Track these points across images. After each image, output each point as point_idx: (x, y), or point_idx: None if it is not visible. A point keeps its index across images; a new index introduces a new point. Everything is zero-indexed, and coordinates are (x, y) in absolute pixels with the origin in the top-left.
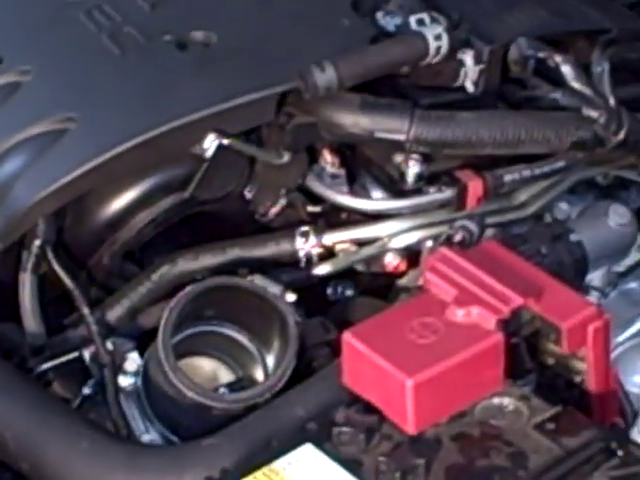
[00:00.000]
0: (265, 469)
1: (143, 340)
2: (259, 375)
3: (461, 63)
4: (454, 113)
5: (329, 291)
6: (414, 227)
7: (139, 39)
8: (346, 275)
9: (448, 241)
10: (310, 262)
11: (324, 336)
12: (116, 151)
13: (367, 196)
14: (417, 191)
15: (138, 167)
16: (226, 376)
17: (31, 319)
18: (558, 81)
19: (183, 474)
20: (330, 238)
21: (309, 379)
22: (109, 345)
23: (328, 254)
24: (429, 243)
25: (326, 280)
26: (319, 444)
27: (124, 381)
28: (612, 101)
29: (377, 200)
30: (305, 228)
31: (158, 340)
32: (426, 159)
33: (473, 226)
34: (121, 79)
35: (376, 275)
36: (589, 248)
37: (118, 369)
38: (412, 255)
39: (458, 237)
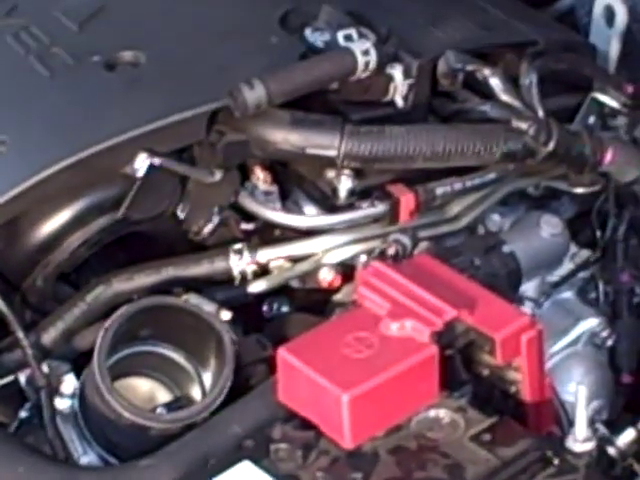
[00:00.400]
0: None
1: (79, 362)
2: (196, 394)
3: (390, 78)
4: (384, 128)
5: (265, 308)
6: (348, 242)
7: (67, 60)
8: (281, 292)
9: (381, 255)
10: (245, 279)
11: (260, 353)
12: (47, 173)
13: (300, 212)
14: (350, 206)
15: (70, 188)
16: (163, 396)
17: None
18: (487, 94)
19: None
20: (264, 255)
21: (246, 396)
22: (45, 368)
23: (263, 271)
24: (363, 258)
25: (261, 297)
26: (257, 461)
27: (61, 403)
28: (541, 112)
29: (310, 216)
30: (239, 246)
31: (94, 361)
32: (358, 174)
33: (406, 240)
34: (50, 101)
35: (311, 291)
36: (522, 259)
37: (54, 392)
38: (347, 270)
39: (391, 251)
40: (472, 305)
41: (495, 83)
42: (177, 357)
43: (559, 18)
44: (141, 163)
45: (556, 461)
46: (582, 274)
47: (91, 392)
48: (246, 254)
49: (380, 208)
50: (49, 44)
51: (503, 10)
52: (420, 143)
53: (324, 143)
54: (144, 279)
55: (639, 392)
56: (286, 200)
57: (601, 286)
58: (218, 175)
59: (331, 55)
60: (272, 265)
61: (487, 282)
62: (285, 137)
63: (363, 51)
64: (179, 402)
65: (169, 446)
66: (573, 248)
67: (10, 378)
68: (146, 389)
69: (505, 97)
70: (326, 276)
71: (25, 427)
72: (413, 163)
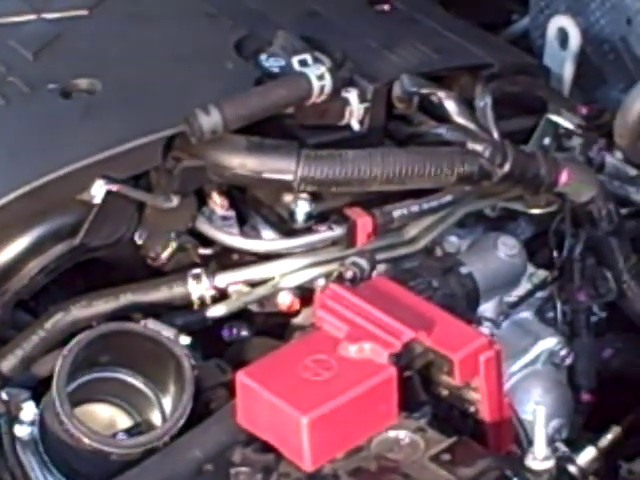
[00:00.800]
0: None
1: (38, 389)
2: (157, 419)
3: (346, 102)
4: (340, 151)
5: (224, 332)
6: (306, 266)
7: (23, 89)
8: (241, 316)
9: (339, 278)
10: (204, 304)
11: (220, 377)
12: (4, 201)
13: (258, 237)
14: (307, 230)
15: (26, 216)
16: (124, 421)
17: None
18: (443, 117)
19: None
20: (222, 279)
21: (206, 421)
22: (4, 395)
23: (221, 296)
24: (321, 281)
25: (221, 321)
26: None
27: (21, 431)
28: (496, 134)
29: (268, 240)
30: (197, 271)
31: (53, 388)
32: (315, 198)
33: (364, 262)
34: (6, 129)
35: (270, 315)
36: (480, 280)
37: (14, 419)
38: (305, 293)
39: (349, 274)
40: (430, 326)
41: (450, 106)
42: (137, 382)
43: (513, 41)
44: (98, 190)
45: (515, 479)
46: (540, 294)
47: (51, 419)
48: (204, 279)
49: (337, 231)
50: (4, 73)
51: (458, 33)
52: (376, 166)
53: (281, 167)
54: (103, 305)
55: (598, 410)
56: (244, 225)
57: (559, 306)
58: (175, 201)
59: (286, 80)
60: (231, 289)
61: (445, 303)
62: (242, 162)
63: (318, 76)
64: (139, 427)
65: (130, 471)
66: (530, 268)
67: None
68: (106, 415)
69: (460, 120)
70: (285, 300)
71: None
72: (370, 186)
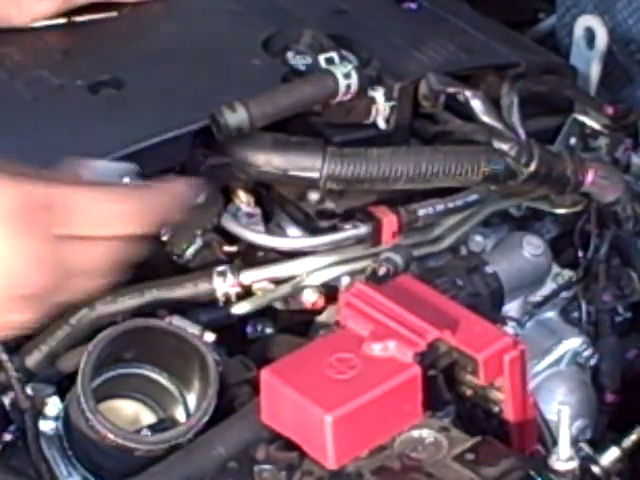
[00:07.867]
0: None
1: (63, 385)
2: (181, 415)
3: (372, 100)
4: (366, 149)
5: (249, 329)
6: (331, 264)
7: (52, 84)
8: (265, 313)
9: (373, 274)
10: (229, 301)
11: (245, 375)
12: None
13: (283, 234)
14: (332, 228)
15: None
16: (148, 417)
17: None
18: (469, 115)
19: None
20: (247, 277)
21: (230, 418)
22: (29, 390)
23: (246, 293)
24: (346, 279)
25: (245, 319)
26: None
27: (45, 425)
28: (522, 134)
29: (293, 238)
30: (222, 268)
31: (78, 384)
32: (340, 196)
33: (398, 259)
34: (34, 125)
35: (295, 312)
36: (505, 279)
37: (39, 414)
38: (330, 291)
39: (382, 270)
40: (455, 326)
41: (476, 105)
42: (161, 379)
43: (540, 40)
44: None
45: None
46: (565, 294)
47: (75, 414)
48: (230, 276)
49: (362, 230)
50: (33, 69)
51: (484, 32)
52: (402, 164)
53: (306, 165)
54: (128, 302)
55: (622, 411)
56: (269, 222)
57: (584, 306)
58: (201, 197)
59: (312, 78)
60: (255, 287)
61: (470, 302)
62: (267, 159)
63: (344, 74)
64: (163, 424)
65: (154, 467)
66: (555, 268)
67: None
68: (130, 411)
69: (486, 119)
70: (309, 297)
71: (9, 450)
72: (394, 184)
